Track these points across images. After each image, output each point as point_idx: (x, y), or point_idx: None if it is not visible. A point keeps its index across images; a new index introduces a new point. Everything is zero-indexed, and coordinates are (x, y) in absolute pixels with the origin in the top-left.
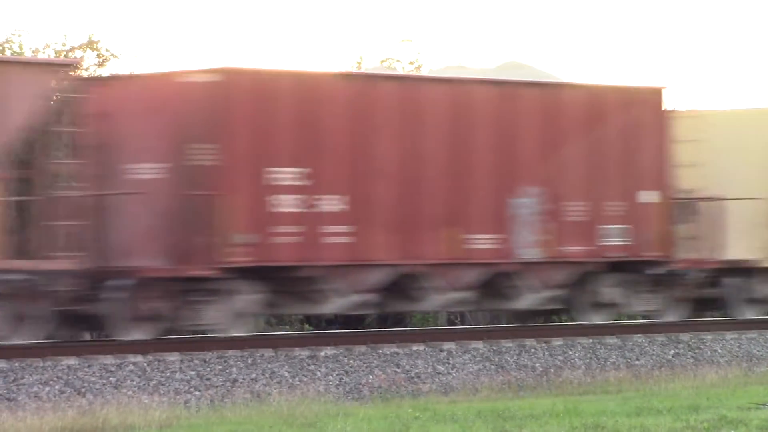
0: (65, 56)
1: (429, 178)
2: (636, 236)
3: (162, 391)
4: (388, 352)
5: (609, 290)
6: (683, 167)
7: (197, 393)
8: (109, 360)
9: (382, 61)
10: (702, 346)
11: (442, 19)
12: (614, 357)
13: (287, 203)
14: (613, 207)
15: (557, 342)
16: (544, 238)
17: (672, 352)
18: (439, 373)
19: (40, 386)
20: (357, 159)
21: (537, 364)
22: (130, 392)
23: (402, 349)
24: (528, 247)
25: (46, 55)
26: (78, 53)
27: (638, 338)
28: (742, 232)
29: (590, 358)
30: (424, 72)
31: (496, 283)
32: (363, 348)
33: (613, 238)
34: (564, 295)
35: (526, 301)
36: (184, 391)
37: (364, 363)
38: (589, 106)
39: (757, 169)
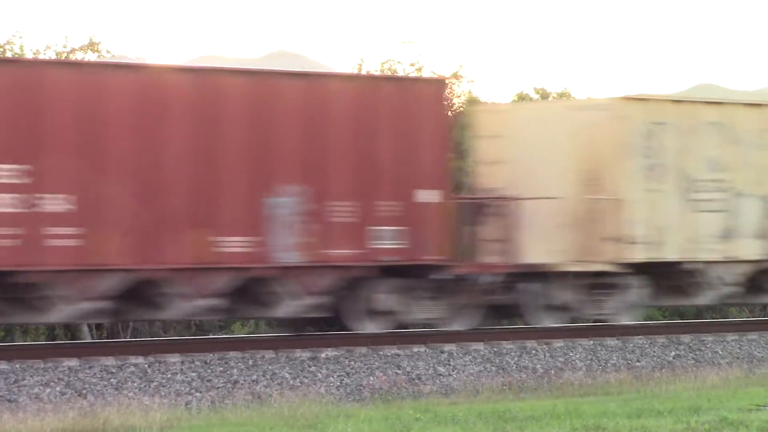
0: (66, 57)
1: (171, 176)
2: (413, 239)
3: (163, 393)
4: (388, 354)
5: (384, 297)
6: (484, 164)
7: (198, 394)
8: (110, 361)
9: (383, 63)
10: (703, 348)
11: (444, 22)
12: (615, 358)
13: (2, 203)
14: (387, 207)
15: (558, 343)
16: (306, 240)
17: (673, 353)
18: (440, 375)
19: (41, 387)
20: (85, 155)
21: (538, 366)
22: (131, 394)
23: (403, 350)
24: (286, 250)
25: (47, 56)
26: (79, 54)
27: (639, 340)
28: (543, 233)
29: (591, 359)
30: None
31: (252, 289)
32: (364, 349)
33: (387, 241)
34: (331, 301)
35: (287, 308)
36: (185, 393)
37: (365, 364)
38: (360, 99)
39: (560, 167)
